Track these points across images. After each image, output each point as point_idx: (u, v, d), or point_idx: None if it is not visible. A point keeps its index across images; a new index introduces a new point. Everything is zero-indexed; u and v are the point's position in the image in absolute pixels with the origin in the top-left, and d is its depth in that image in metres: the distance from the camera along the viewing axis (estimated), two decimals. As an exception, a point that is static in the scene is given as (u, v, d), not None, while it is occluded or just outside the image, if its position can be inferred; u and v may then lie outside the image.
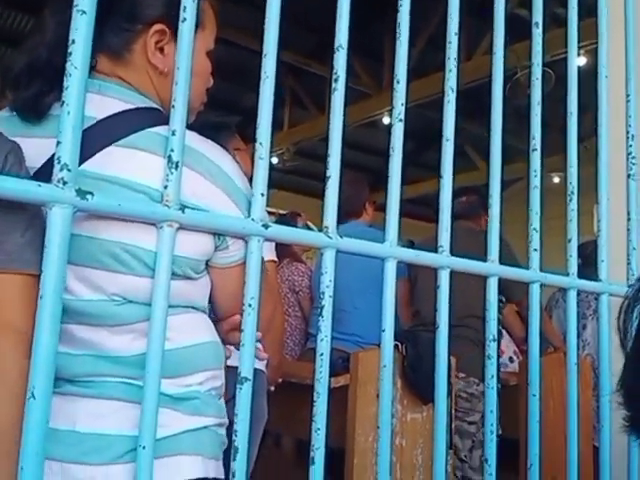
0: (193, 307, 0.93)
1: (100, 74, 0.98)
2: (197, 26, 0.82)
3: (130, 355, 0.86)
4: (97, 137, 0.92)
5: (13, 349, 0.79)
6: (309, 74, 6.72)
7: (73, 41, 0.54)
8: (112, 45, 0.98)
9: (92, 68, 0.99)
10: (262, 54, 0.68)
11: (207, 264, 0.93)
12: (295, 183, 8.63)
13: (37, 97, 0.92)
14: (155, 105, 1.00)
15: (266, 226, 0.73)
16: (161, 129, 0.88)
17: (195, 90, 0.96)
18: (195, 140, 0.90)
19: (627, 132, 1.24)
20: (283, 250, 2.48)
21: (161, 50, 1.00)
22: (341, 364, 2.51)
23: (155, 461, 0.80)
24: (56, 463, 0.75)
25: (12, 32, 5.36)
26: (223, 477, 0.94)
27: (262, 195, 0.73)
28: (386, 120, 6.51)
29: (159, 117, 0.95)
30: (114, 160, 0.85)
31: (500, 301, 2.72)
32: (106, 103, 0.90)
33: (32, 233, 0.83)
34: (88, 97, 0.95)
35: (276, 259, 2.49)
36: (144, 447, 0.71)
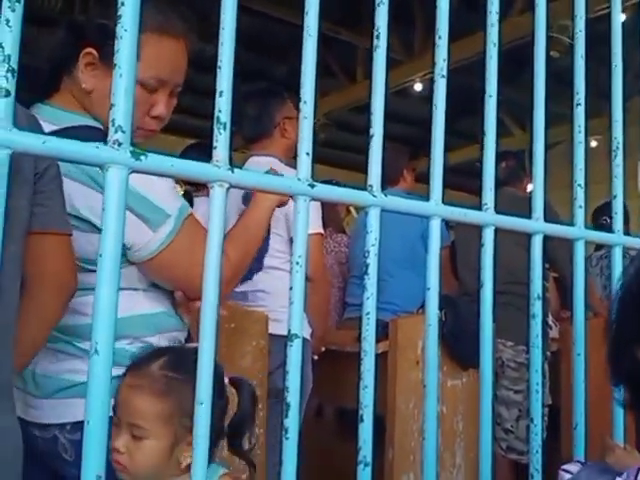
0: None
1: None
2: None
3: None
4: None
5: (55, 296, 1.05)
6: (338, 42, 6.62)
7: (122, 3, 0.54)
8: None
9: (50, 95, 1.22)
10: (304, 11, 0.68)
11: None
12: (324, 155, 8.57)
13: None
14: (89, 122, 1.15)
15: (312, 185, 0.73)
16: None
17: None
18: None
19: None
20: (324, 218, 2.48)
21: (91, 70, 1.16)
22: (380, 331, 2.52)
23: (70, 400, 1.16)
24: None
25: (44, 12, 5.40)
26: None
27: (307, 154, 0.73)
28: (417, 87, 6.41)
29: (82, 135, 1.03)
30: None
31: (546, 268, 2.66)
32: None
33: (63, 199, 1.05)
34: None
35: (322, 231, 2.44)
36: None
